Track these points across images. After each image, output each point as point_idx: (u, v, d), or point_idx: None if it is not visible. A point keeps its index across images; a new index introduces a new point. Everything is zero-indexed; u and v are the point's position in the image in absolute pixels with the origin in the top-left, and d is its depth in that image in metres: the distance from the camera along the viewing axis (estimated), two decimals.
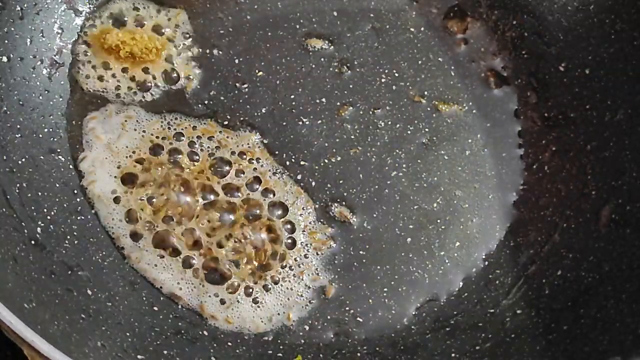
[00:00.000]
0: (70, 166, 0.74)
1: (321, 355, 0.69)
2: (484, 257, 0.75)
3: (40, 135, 0.74)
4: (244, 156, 0.76)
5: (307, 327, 0.72)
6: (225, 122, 0.77)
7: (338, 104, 0.79)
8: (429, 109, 0.80)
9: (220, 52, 0.80)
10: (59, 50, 0.77)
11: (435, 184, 0.77)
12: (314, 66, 0.81)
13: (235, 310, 0.71)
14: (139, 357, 0.64)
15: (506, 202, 0.77)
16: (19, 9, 0.74)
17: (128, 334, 0.66)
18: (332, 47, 0.82)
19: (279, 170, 0.76)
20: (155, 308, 0.70)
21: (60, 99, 0.76)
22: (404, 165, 0.77)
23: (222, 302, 0.71)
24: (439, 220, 0.76)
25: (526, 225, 0.76)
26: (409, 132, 0.79)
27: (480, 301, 0.73)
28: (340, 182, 0.76)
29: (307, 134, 0.78)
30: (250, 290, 0.72)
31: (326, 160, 0.77)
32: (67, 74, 0.77)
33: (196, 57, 0.80)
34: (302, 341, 0.70)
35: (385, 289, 0.73)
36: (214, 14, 0.82)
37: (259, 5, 0.83)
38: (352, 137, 0.78)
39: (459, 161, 0.78)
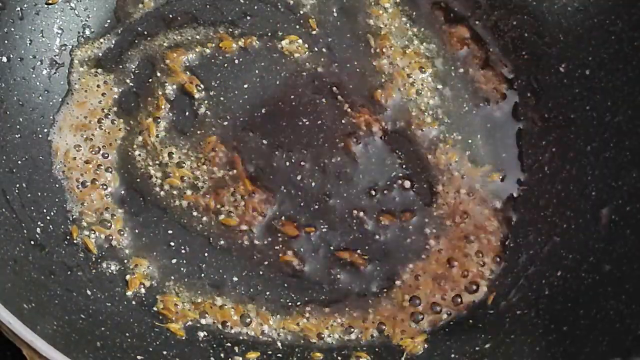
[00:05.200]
0: None
1: (321, 356, 0.69)
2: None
3: (40, 136, 0.74)
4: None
5: None
6: (225, 123, 0.77)
7: (339, 104, 0.79)
8: None
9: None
10: (59, 51, 0.77)
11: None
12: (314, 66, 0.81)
13: None
14: (138, 357, 0.64)
15: (506, 202, 0.77)
16: (18, 9, 0.74)
17: (128, 334, 0.66)
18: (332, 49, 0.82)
19: (278, 170, 0.76)
20: (155, 308, 0.70)
21: (60, 99, 0.76)
22: (404, 166, 0.77)
23: None
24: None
25: (526, 226, 0.75)
26: (409, 132, 0.79)
27: (480, 302, 0.73)
28: (340, 182, 0.76)
29: (308, 134, 0.78)
30: None
31: (326, 161, 0.77)
32: (66, 74, 0.77)
33: (194, 59, 0.80)
34: (302, 342, 0.70)
35: (386, 290, 0.73)
36: None
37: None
38: (353, 137, 0.78)
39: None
